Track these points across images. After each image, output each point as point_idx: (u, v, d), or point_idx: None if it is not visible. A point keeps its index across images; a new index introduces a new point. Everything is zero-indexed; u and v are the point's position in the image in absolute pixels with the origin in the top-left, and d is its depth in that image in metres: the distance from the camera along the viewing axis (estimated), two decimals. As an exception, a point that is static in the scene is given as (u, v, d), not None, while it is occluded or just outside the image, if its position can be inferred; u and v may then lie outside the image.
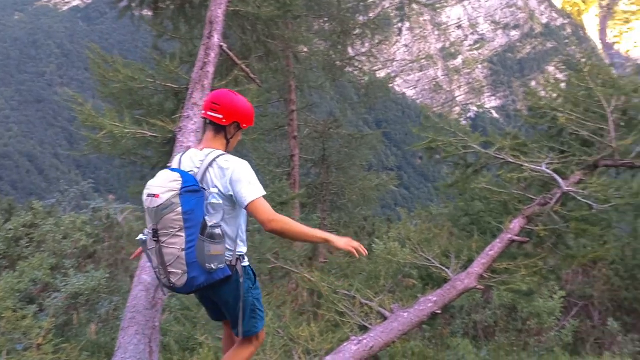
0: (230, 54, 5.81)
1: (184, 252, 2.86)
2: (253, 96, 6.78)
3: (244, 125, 3.25)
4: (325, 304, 5.94)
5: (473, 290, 5.34)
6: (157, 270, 3.01)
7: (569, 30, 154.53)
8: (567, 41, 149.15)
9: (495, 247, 5.44)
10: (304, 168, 16.56)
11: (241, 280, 3.10)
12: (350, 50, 16.99)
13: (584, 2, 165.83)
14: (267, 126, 14.26)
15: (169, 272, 2.92)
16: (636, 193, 5.09)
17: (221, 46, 5.48)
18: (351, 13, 16.64)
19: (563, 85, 7.43)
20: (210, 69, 5.27)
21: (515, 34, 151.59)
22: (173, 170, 3.05)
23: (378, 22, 16.71)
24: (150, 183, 3.00)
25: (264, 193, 3.01)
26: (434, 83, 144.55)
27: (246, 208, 2.97)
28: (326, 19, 16.35)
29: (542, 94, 7.15)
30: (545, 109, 6.46)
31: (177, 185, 2.90)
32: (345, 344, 4.50)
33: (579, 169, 5.88)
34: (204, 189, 3.00)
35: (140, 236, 3.17)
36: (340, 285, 6.08)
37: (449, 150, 6.29)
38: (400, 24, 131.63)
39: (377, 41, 17.33)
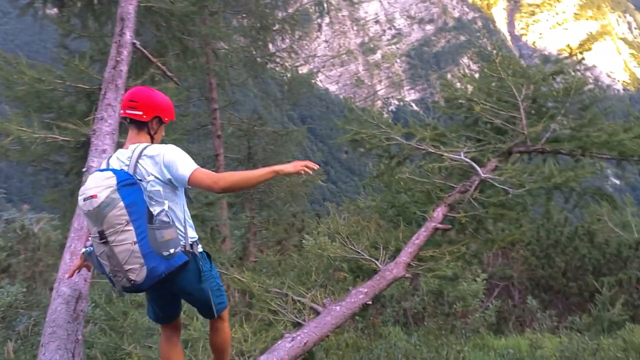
0: (145, 51, 5.59)
1: (137, 245, 2.83)
2: (171, 94, 6.56)
3: (166, 119, 3.25)
4: (258, 304, 5.86)
5: (402, 279, 5.45)
6: (111, 274, 2.92)
7: (479, 23, 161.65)
8: (478, 34, 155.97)
9: (421, 235, 5.58)
10: (229, 167, 16.35)
11: (201, 264, 3.14)
12: (270, 46, 16.91)
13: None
14: (189, 125, 13.93)
15: (126, 269, 2.84)
16: (547, 177, 5.38)
17: (134, 43, 5.26)
18: (270, 9, 16.56)
19: (476, 76, 7.73)
20: (124, 67, 5.04)
21: (430, 28, 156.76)
22: (103, 170, 3.02)
23: (297, 18, 16.73)
24: (84, 188, 2.94)
25: (198, 166, 3.02)
26: (356, 78, 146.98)
27: (188, 183, 2.98)
28: (244, 15, 16.18)
29: (458, 85, 7.40)
30: (461, 99, 6.70)
31: (113, 181, 2.86)
32: (279, 342, 4.46)
33: (494, 156, 6.13)
34: (140, 180, 2.99)
35: (84, 249, 3.14)
36: (271, 283, 6.02)
37: (373, 142, 6.38)
38: (319, 20, 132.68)
39: (297, 37, 17.35)
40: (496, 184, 5.65)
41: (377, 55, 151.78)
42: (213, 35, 10.65)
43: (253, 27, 15.60)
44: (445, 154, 6.00)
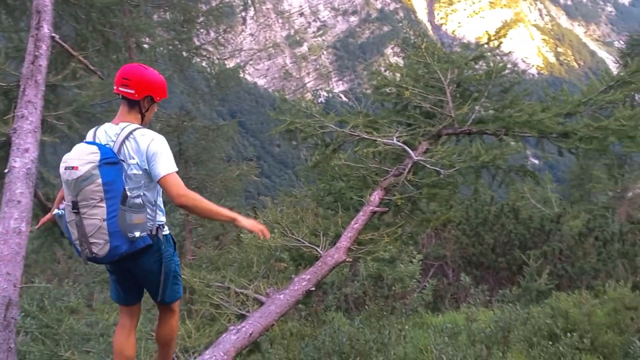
0: (65, 45, 5.33)
1: (105, 222, 2.93)
2: (96, 89, 6.34)
3: (158, 98, 3.29)
4: (199, 299, 5.78)
5: (343, 263, 5.53)
6: (76, 242, 3.05)
7: (401, 14, 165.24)
8: (400, 24, 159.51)
9: (359, 220, 5.68)
10: (159, 164, 15.90)
11: (163, 247, 3.24)
12: (195, 40, 16.56)
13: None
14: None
15: (90, 242, 2.97)
16: (475, 156, 5.62)
17: (53, 37, 5.00)
18: (193, 1, 16.20)
19: (402, 63, 7.93)
20: (43, 62, 4.78)
21: (354, 19, 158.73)
22: (89, 143, 3.09)
23: (221, 10, 16.46)
24: (67, 156, 3.03)
25: (177, 169, 3.11)
26: (284, 71, 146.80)
27: (159, 181, 3.07)
28: (166, 8, 15.74)
29: (386, 73, 7.56)
30: (390, 86, 6.85)
31: (96, 157, 2.95)
32: (224, 335, 4.41)
33: (425, 139, 6.33)
34: (122, 160, 3.06)
35: (56, 211, 3.21)
36: (212, 278, 5.95)
37: (307, 131, 6.43)
38: (243, 13, 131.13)
39: (222, 30, 17.07)
40: (428, 166, 5.84)
41: (304, 48, 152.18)
42: (136, 28, 10.29)
43: (177, 21, 15.20)
44: (379, 139, 6.13)
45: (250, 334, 4.52)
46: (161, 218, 3.27)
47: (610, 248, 10.50)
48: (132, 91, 3.15)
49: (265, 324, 4.71)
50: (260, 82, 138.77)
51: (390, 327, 6.78)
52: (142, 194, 3.07)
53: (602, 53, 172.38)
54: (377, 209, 5.82)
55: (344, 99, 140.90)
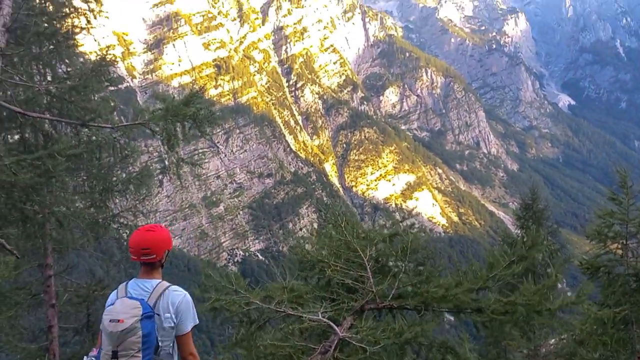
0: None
1: None
2: (10, 269, 6.11)
3: (170, 247, 4.03)
4: None
5: None
6: None
7: (314, 177, 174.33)
8: (314, 186, 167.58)
9: (287, 404, 5.50)
10: (63, 338, 14.72)
11: None
12: (112, 206, 16.41)
13: (322, 153, 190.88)
14: (22, 298, 12.50)
15: None
16: (399, 332, 5.78)
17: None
18: (111, 170, 16.32)
19: (316, 230, 8.29)
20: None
21: (269, 181, 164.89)
22: (131, 297, 3.62)
23: (141, 178, 16.66)
24: (112, 309, 3.58)
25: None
26: (199, 231, 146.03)
27: (182, 335, 3.70)
28: (85, 178, 15.71)
29: (308, 247, 7.86)
30: (313, 261, 7.10)
31: (139, 311, 3.48)
32: None
33: (349, 314, 6.46)
34: (157, 314, 3.57)
35: (86, 358, 3.70)
36: None
37: (233, 309, 6.38)
38: (160, 176, 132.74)
39: (142, 196, 17.11)
40: (354, 342, 5.90)
41: (220, 208, 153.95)
42: (57, 203, 10.17)
43: (95, 190, 15.16)
44: (304, 315, 6.19)
45: None
46: None
47: (532, 411, 10.56)
48: (154, 256, 3.78)
49: None
50: (175, 242, 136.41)
51: None
52: (171, 344, 3.58)
53: (499, 213, 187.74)
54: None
55: (261, 257, 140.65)
